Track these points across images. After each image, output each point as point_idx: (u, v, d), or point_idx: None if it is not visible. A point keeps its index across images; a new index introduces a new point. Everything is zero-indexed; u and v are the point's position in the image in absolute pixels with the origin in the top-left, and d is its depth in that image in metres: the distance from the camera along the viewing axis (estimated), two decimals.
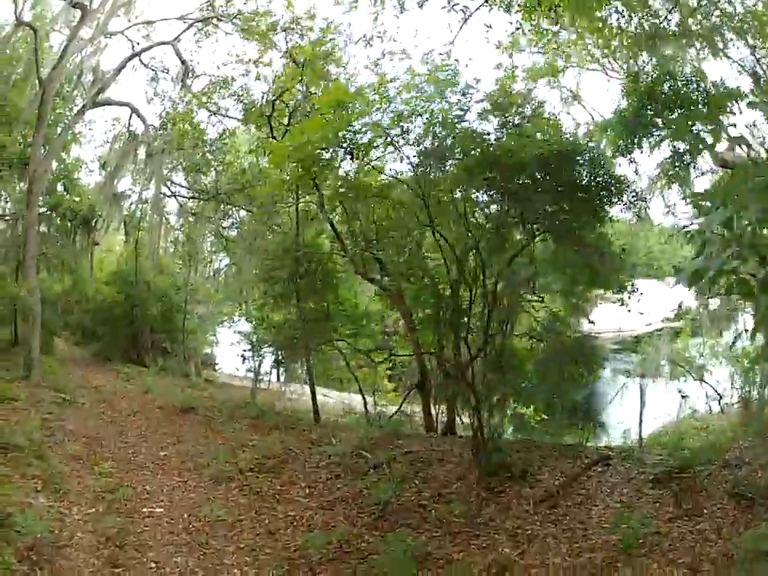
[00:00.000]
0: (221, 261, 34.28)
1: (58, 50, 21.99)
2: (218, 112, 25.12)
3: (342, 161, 15.14)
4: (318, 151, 14.46)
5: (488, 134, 13.17)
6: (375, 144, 14.17)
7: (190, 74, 25.58)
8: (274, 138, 20.69)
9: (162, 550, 10.41)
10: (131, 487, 12.86)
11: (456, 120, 13.24)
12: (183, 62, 25.58)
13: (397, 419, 17.22)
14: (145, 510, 11.91)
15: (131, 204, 31.02)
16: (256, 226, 26.08)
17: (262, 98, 22.36)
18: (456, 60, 14.15)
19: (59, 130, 24.18)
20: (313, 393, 18.94)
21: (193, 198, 29.61)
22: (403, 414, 17.86)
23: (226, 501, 12.37)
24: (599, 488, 11.31)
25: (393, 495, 11.61)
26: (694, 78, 16.91)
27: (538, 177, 12.37)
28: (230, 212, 28.99)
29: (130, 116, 27.01)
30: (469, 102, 13.26)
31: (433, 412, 17.50)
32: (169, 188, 29.30)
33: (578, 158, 12.69)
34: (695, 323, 24.85)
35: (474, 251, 13.28)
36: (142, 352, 27.83)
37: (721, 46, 18.05)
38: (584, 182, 12.69)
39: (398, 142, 13.88)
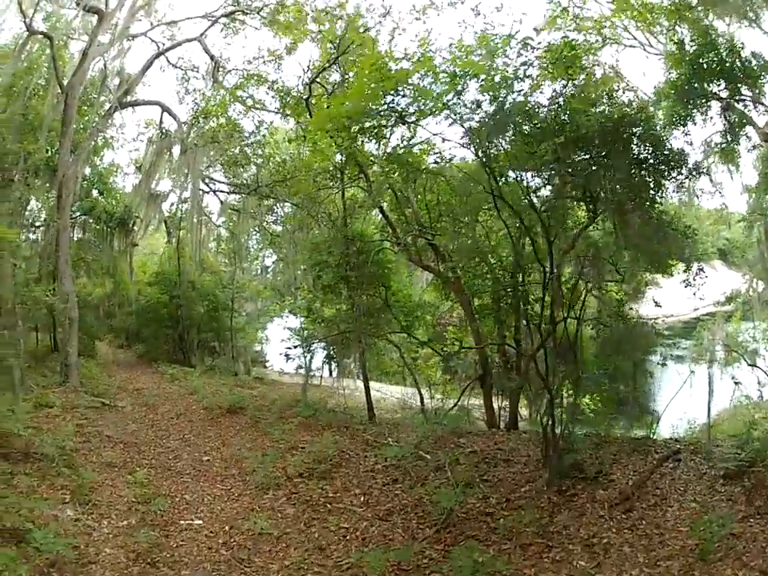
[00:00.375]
0: (267, 257, 33.91)
1: (78, 57, 22.04)
2: (254, 106, 24.35)
3: (389, 131, 13.81)
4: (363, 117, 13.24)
5: (543, 105, 11.75)
6: (428, 111, 12.79)
7: (220, 70, 25.38)
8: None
9: (198, 568, 9.47)
10: (169, 497, 12.01)
11: (515, 79, 11.88)
12: (212, 58, 25.37)
13: (456, 414, 15.96)
14: (182, 522, 11.00)
15: (171, 205, 30.99)
16: (301, 219, 25.43)
17: (298, 82, 21.54)
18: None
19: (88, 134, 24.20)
20: (367, 389, 17.84)
21: (233, 192, 29.03)
22: (461, 408, 16.51)
23: (272, 511, 11.33)
24: (672, 486, 10.37)
25: (456, 503, 10.41)
26: (734, 49, 16.26)
27: (599, 150, 11.25)
28: (274, 207, 28.29)
29: (161, 115, 26.87)
30: (528, 58, 11.77)
31: (495, 406, 16.25)
32: (207, 184, 28.80)
33: (638, 129, 11.41)
34: (746, 307, 24.13)
35: (534, 232, 12.34)
36: (187, 352, 27.28)
37: (753, 17, 17.15)
38: (644, 156, 11.53)
39: (453, 109, 12.55)
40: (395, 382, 25.68)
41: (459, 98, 11.81)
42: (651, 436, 13.11)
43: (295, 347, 20.54)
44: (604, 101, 11.85)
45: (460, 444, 13.53)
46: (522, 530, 9.58)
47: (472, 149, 12.55)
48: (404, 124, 12.95)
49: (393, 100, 12.38)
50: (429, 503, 10.85)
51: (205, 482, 12.86)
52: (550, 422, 11.28)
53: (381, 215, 18.42)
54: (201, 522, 11.00)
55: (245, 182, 27.49)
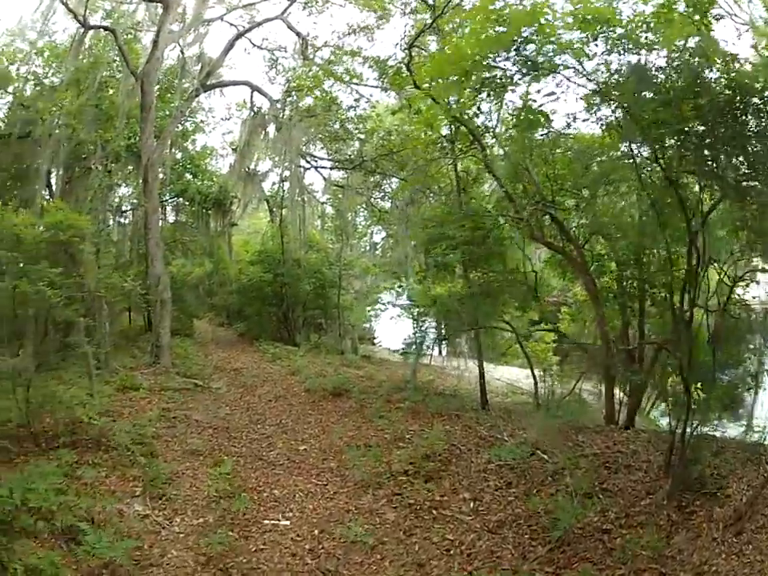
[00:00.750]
0: (375, 233, 32.54)
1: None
2: (350, 81, 23.30)
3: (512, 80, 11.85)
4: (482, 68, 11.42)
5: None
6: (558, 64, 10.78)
7: (309, 47, 24.33)
8: (416, 87, 17.97)
9: None
10: (255, 491, 10.61)
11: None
12: (298, 35, 24.40)
13: (575, 406, 13.96)
14: (266, 521, 9.53)
15: (273, 184, 30.13)
16: (411, 194, 24.03)
17: (395, 50, 20.16)
18: None
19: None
20: (481, 374, 15.94)
21: (336, 168, 27.64)
22: (579, 399, 15.08)
23: (369, 514, 9.67)
24: None
25: (574, 517, 8.50)
26: None
27: (720, 122, 9.47)
28: (381, 183, 26.97)
29: (251, 95, 25.78)
30: None
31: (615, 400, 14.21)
32: (308, 161, 27.56)
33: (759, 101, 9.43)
34: None
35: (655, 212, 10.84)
36: (292, 330, 26.13)
37: None
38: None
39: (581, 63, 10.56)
40: (504, 362, 24.32)
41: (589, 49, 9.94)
42: (764, 442, 10.87)
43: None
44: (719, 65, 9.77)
45: (579, 443, 11.52)
46: (639, 552, 7.82)
47: (602, 111, 11.20)
48: (534, 72, 10.91)
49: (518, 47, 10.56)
50: (544, 515, 8.96)
51: (298, 475, 11.37)
52: (682, 427, 9.22)
53: (498, 185, 16.53)
54: (288, 522, 9.50)
55: (348, 157, 26.40)
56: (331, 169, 27.94)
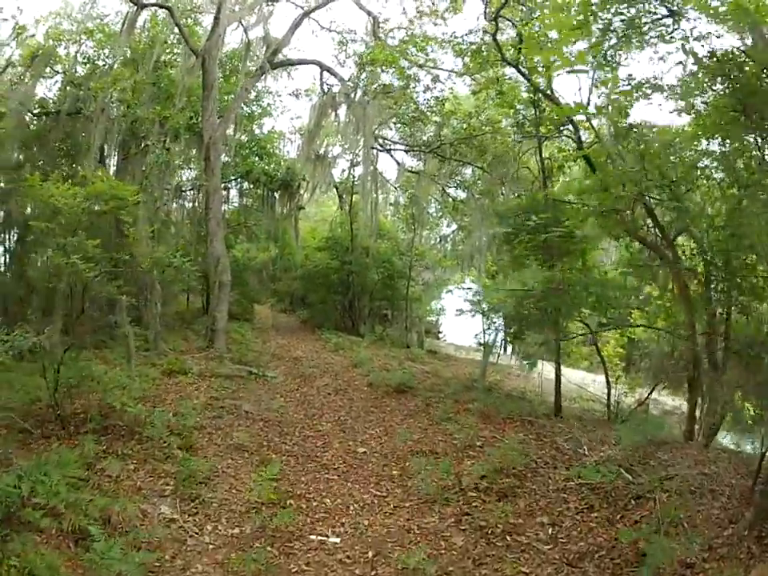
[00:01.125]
0: (448, 225, 30.75)
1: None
2: (426, 65, 21.51)
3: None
4: None
5: None
6: None
7: (380, 27, 22.73)
8: (504, 60, 16.31)
9: None
10: (304, 499, 9.14)
11: None
12: (369, 14, 22.92)
13: (656, 419, 12.20)
14: (313, 537, 8.01)
15: (342, 171, 28.92)
16: (489, 184, 23.01)
17: (476, 25, 18.49)
18: None
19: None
20: (557, 378, 14.28)
21: (410, 151, 25.86)
22: (662, 412, 13.86)
23: (433, 536, 8.01)
24: None
25: (661, 551, 6.83)
26: None
27: None
28: (457, 170, 25.38)
29: (321, 75, 23.86)
30: None
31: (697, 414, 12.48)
32: (381, 144, 25.74)
33: None
34: None
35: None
36: (356, 320, 24.87)
37: None
38: None
39: None
40: (569, 364, 22.22)
41: None
42: None
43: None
44: None
45: (662, 461, 9.78)
46: None
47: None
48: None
49: None
50: (627, 546, 7.24)
51: (354, 482, 9.84)
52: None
53: (590, 170, 14.90)
54: (338, 540, 7.95)
55: (424, 141, 24.76)
56: (406, 152, 26.23)
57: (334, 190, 29.81)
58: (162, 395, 12.45)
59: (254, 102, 24.98)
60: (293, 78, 26.45)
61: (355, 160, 26.02)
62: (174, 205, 23.88)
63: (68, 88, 19.67)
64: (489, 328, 18.51)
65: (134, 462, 9.02)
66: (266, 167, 24.65)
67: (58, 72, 20.33)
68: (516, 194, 20.63)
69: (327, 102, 22.75)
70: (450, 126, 23.44)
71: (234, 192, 27.36)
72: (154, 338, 16.07)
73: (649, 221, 13.00)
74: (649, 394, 14.02)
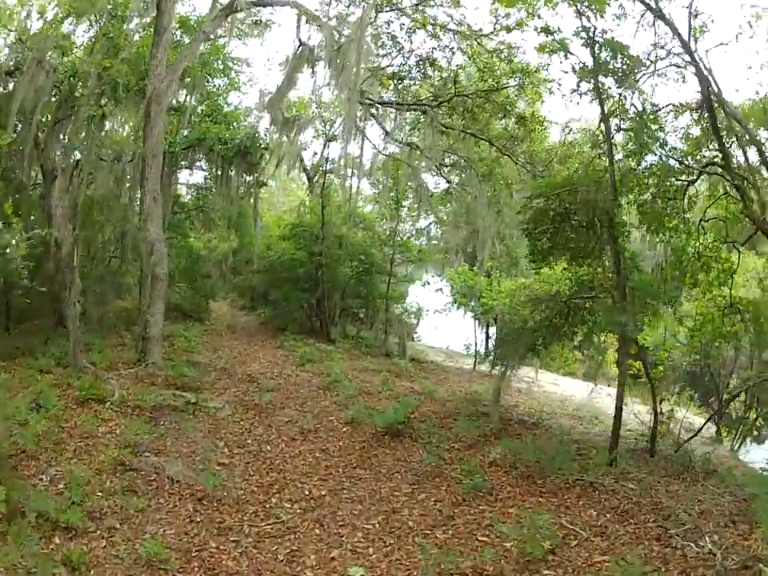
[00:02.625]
0: (426, 217, 26.11)
1: None
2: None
3: None
4: None
5: None
6: None
7: None
8: None
9: None
10: None
11: None
12: None
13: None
14: None
15: (315, 153, 23.46)
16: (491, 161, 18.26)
17: None
18: None
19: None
20: (618, 410, 9.88)
21: (408, 109, 19.34)
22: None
23: None
24: None
25: None
26: None
27: None
28: (454, 144, 19.31)
29: (298, 21, 17.47)
30: None
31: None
32: (368, 100, 18.93)
33: None
34: None
35: None
36: (326, 321, 20.01)
37: None
38: None
39: None
40: (566, 372, 20.71)
41: None
42: None
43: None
44: None
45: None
46: None
47: None
48: None
49: None
50: None
51: None
52: None
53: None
54: None
55: (431, 94, 18.85)
56: (398, 110, 19.67)
57: (304, 175, 24.79)
58: (60, 443, 8.42)
59: (213, 56, 19.37)
60: (265, 38, 20.53)
61: (331, 132, 21.02)
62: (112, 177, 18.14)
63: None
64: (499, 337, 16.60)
65: None
66: (221, 132, 19.02)
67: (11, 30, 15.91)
68: (534, 176, 16.22)
69: (303, 55, 17.21)
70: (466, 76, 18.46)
71: (185, 172, 21.81)
72: (73, 348, 11.72)
73: None
74: (705, 424, 11.47)
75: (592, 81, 10.66)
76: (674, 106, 11.07)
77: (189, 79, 17.93)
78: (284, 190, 31.19)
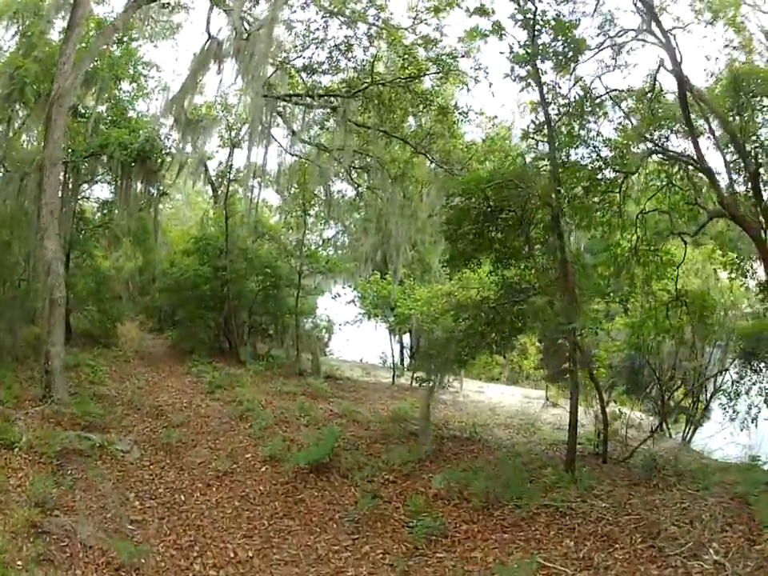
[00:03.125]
0: (333, 225, 25.17)
1: None
2: None
3: None
4: None
5: None
6: None
7: None
8: None
9: None
10: None
11: None
12: None
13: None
14: None
15: (219, 163, 21.19)
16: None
17: None
18: None
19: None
20: (573, 420, 9.33)
21: (309, 103, 17.52)
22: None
23: None
24: None
25: None
26: None
27: None
28: (365, 146, 18.10)
29: (210, 11, 16.27)
30: None
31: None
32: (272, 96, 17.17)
33: None
34: None
35: None
36: (234, 341, 18.77)
37: None
38: None
39: None
40: (488, 377, 20.58)
41: None
42: None
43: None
44: None
45: None
46: None
47: None
48: None
49: None
50: None
51: None
52: None
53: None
54: None
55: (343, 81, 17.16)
56: (308, 106, 17.84)
57: (209, 187, 23.01)
58: None
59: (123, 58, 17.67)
60: (176, 39, 18.84)
61: (236, 138, 19.44)
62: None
63: None
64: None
65: None
66: (123, 136, 17.23)
67: None
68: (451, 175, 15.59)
69: (211, 49, 15.75)
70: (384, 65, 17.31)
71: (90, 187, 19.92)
72: None
73: None
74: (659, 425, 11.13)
75: (527, 66, 10.22)
76: (618, 91, 10.84)
77: (97, 85, 16.58)
78: (190, 205, 29.26)
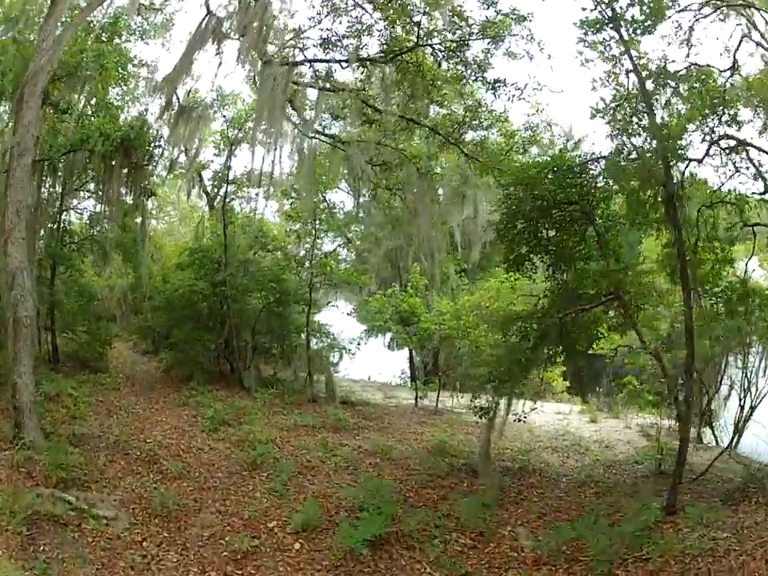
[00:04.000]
0: (333, 239, 21.56)
1: None
2: None
3: None
4: None
5: None
6: None
7: None
8: None
9: None
10: None
11: None
12: None
13: None
14: None
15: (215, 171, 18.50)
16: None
17: None
18: None
19: None
20: (682, 455, 7.50)
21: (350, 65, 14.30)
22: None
23: None
24: None
25: None
26: None
27: None
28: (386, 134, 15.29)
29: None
30: None
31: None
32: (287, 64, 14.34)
33: None
34: None
35: None
36: (237, 364, 16.26)
37: None
38: None
39: None
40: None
41: None
42: None
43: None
44: None
45: None
46: None
47: None
48: None
49: None
50: None
51: None
52: None
53: None
54: None
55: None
56: (324, 84, 14.74)
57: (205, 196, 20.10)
58: None
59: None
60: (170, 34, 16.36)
61: (235, 136, 16.62)
62: None
63: None
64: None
65: None
66: (105, 125, 14.61)
67: None
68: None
69: (209, 26, 13.08)
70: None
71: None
72: None
73: None
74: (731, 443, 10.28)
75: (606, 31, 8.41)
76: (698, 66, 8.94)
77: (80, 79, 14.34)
78: (185, 219, 26.52)
